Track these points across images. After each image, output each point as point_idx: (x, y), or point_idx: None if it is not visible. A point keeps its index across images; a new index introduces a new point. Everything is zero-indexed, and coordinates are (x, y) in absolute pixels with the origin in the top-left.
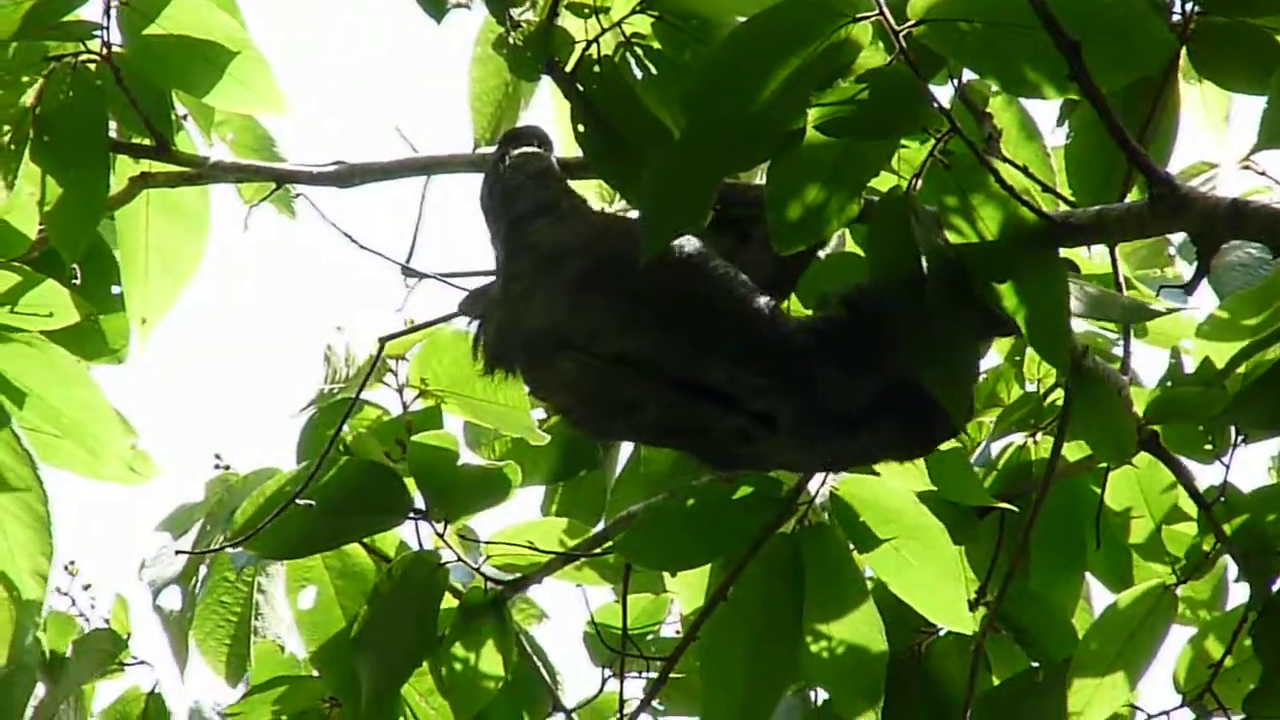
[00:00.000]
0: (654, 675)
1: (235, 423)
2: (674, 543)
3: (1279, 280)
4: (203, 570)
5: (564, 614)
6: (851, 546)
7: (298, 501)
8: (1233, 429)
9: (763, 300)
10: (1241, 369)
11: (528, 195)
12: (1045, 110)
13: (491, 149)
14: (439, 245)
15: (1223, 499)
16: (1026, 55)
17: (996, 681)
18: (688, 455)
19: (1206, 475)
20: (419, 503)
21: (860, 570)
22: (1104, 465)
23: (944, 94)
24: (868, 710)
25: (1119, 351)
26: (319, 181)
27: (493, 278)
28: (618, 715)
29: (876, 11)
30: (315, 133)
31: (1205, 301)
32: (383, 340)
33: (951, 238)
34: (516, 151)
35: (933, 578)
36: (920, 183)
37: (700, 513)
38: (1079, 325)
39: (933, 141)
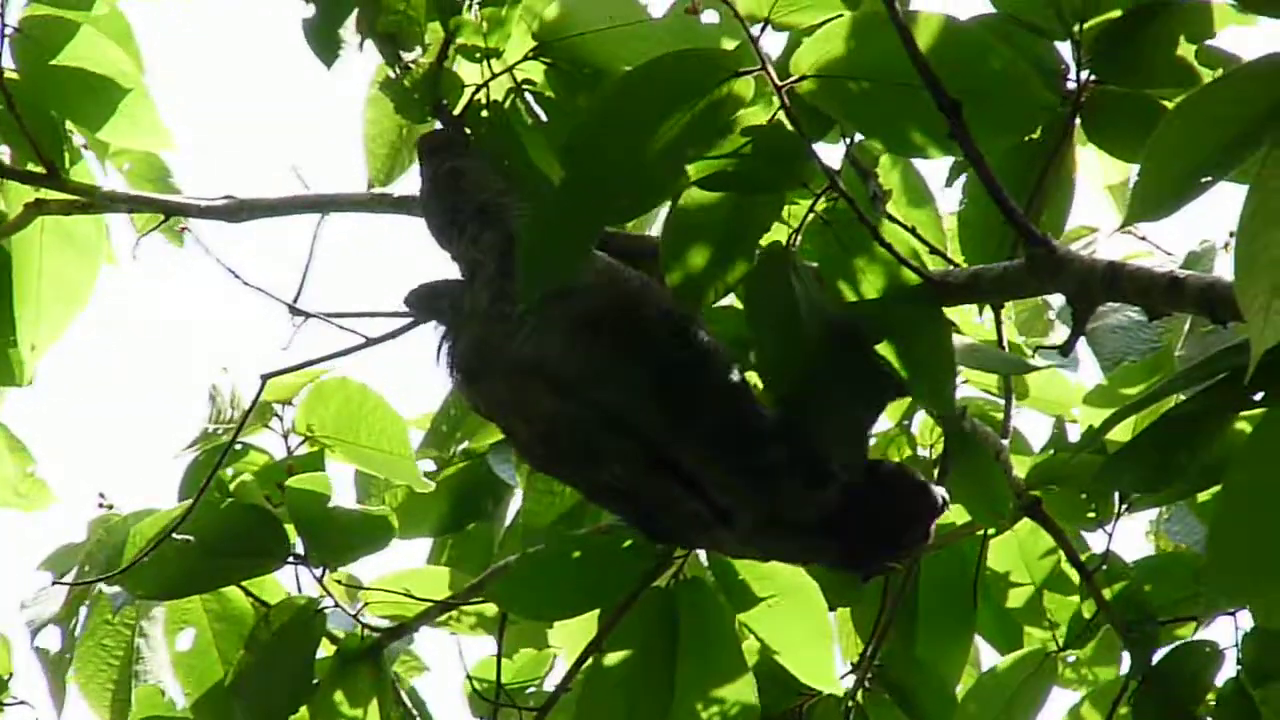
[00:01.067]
0: None
1: (122, 456)
2: (548, 592)
3: (1165, 353)
4: (83, 612)
5: (448, 667)
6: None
7: (175, 537)
8: (1116, 497)
9: (751, 405)
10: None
11: None
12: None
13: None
14: (331, 286)
15: (1104, 567)
16: (910, 115)
17: None
18: (626, 519)
19: (1096, 543)
20: (300, 549)
21: (734, 627)
22: (986, 530)
23: (835, 152)
24: None
25: (1001, 416)
26: (208, 215)
27: (452, 280)
28: None
29: (759, 67)
30: (213, 167)
31: (1087, 368)
32: (264, 377)
33: (840, 295)
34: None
35: (805, 637)
36: (801, 239)
37: (575, 563)
38: (959, 390)
39: (813, 198)
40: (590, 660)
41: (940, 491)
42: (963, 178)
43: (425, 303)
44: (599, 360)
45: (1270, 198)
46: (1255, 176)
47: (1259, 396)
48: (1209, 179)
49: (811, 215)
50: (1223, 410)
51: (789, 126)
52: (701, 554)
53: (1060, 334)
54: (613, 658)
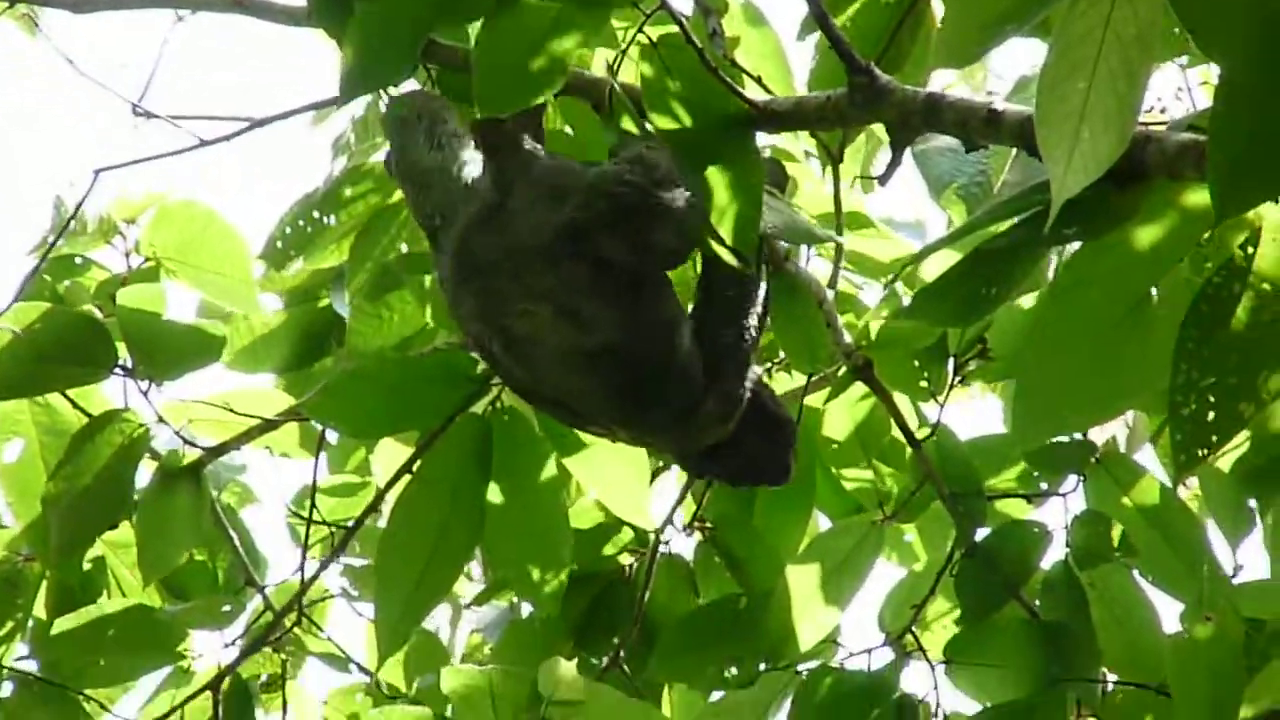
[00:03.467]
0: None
1: None
2: (364, 407)
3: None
4: None
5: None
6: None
7: None
8: (950, 367)
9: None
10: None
11: None
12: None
13: None
14: (182, 93)
15: (933, 438)
16: None
17: None
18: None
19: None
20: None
21: (550, 460)
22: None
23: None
24: (550, 605)
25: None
26: (51, 3)
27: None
28: (299, 576)
29: None
30: None
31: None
32: (97, 172)
33: (660, 122)
34: None
35: (623, 475)
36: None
37: (393, 381)
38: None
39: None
40: (402, 482)
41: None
42: (814, 36)
43: (402, 164)
44: (577, 289)
45: (1072, 47)
46: (1058, 26)
47: (1071, 232)
48: (1011, 28)
49: (639, 37)
50: (1034, 245)
51: None
52: None
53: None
54: (424, 481)
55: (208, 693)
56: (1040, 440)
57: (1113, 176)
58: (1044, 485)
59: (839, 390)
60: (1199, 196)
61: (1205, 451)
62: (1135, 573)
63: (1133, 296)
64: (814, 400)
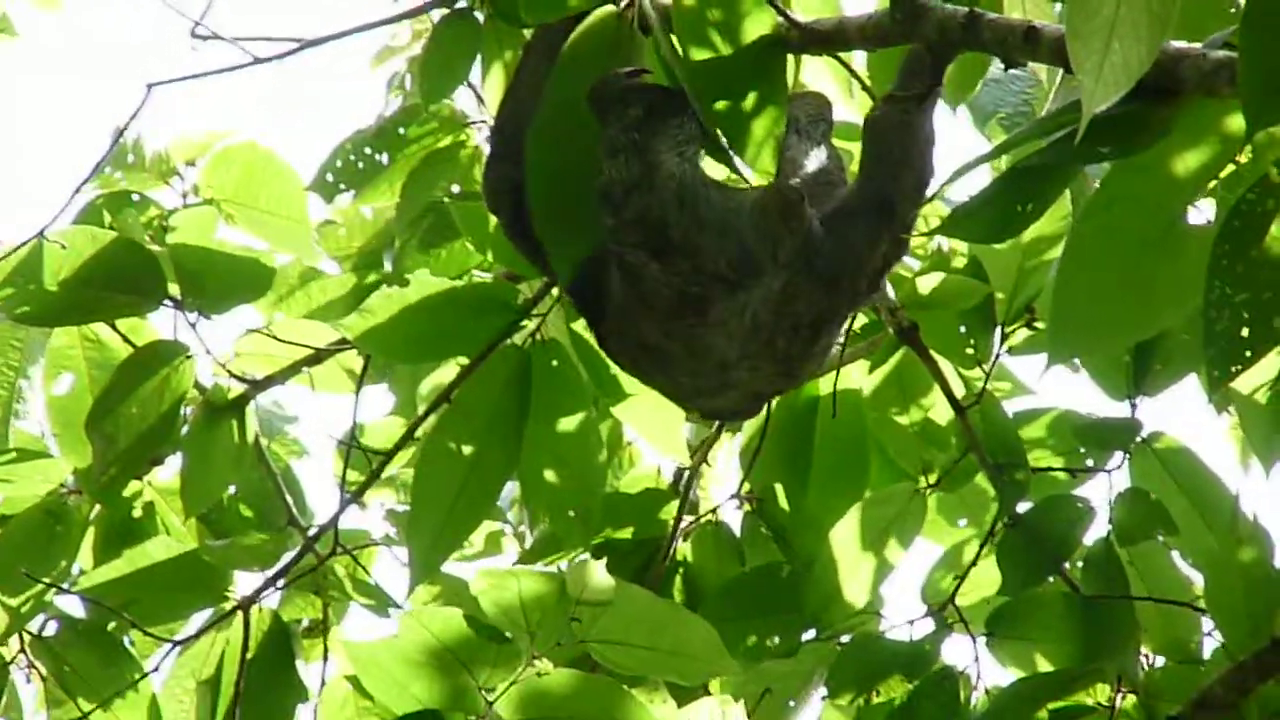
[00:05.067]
0: None
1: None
2: (403, 332)
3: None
4: None
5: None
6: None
7: (46, 239)
8: (996, 337)
9: None
10: None
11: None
12: None
13: None
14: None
15: (977, 405)
16: None
17: None
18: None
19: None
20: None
21: (588, 395)
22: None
23: None
24: (583, 537)
25: None
26: None
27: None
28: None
29: None
30: None
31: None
32: (150, 86)
33: (697, 54)
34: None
35: (658, 412)
36: None
37: (434, 307)
38: None
39: None
40: (440, 410)
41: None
42: None
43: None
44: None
45: None
46: None
47: (1105, 150)
48: None
49: None
50: (1070, 161)
51: None
52: (556, 315)
53: None
54: (460, 410)
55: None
56: (1074, 356)
57: (1148, 93)
58: (1089, 461)
59: (885, 356)
60: (1234, 114)
61: (1239, 368)
62: (1175, 554)
63: (1167, 214)
64: (856, 370)
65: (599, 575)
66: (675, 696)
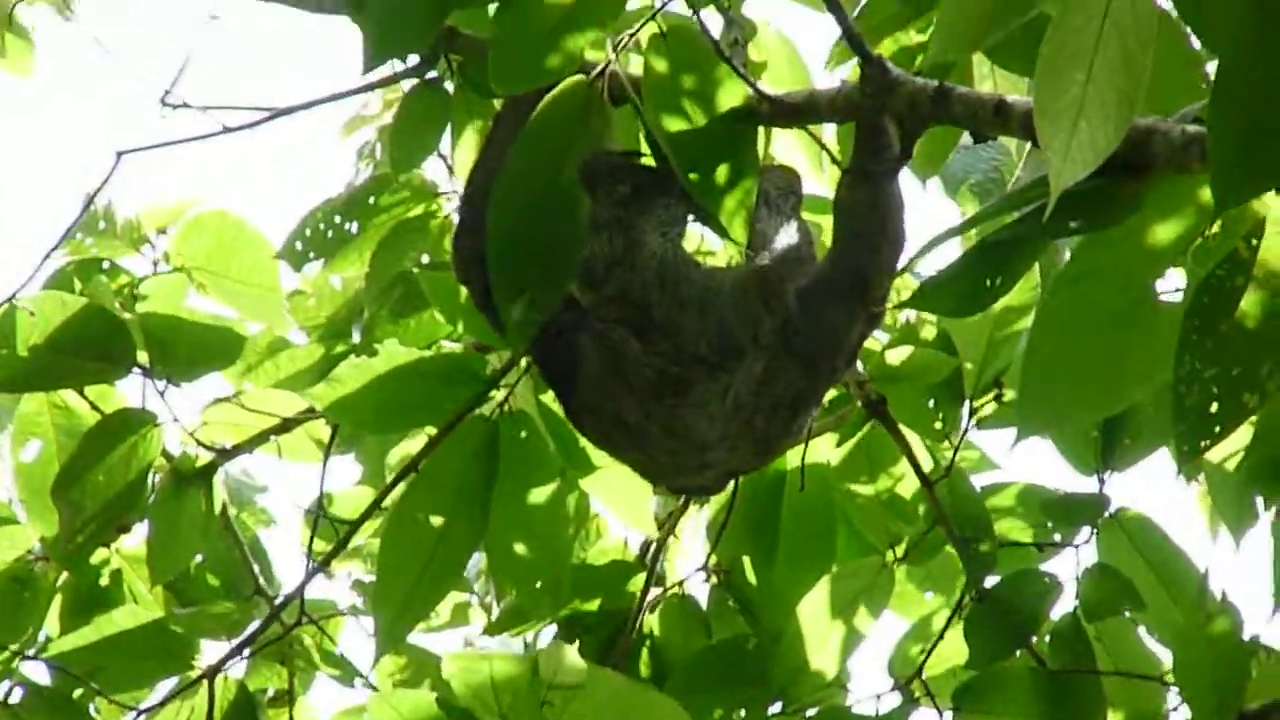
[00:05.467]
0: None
1: None
2: (371, 403)
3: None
4: None
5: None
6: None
7: (17, 305)
8: (965, 411)
9: None
10: None
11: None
12: None
13: None
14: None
15: (945, 479)
16: None
17: None
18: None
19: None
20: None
21: (556, 467)
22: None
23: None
24: (550, 609)
25: None
26: None
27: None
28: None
29: None
30: None
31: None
32: (120, 154)
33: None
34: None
35: (626, 484)
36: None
37: (401, 377)
38: None
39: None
40: (407, 480)
41: None
42: (848, 66)
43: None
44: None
45: (1071, 37)
46: (1055, 16)
47: (1074, 224)
48: (1011, 18)
49: (650, 26)
50: (1038, 236)
51: None
52: (525, 387)
53: None
54: (427, 480)
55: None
56: (1043, 431)
57: (1118, 168)
58: (1057, 535)
59: (853, 429)
60: (1204, 187)
61: (1208, 443)
62: (1142, 629)
63: (1136, 288)
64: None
65: (570, 658)
66: None
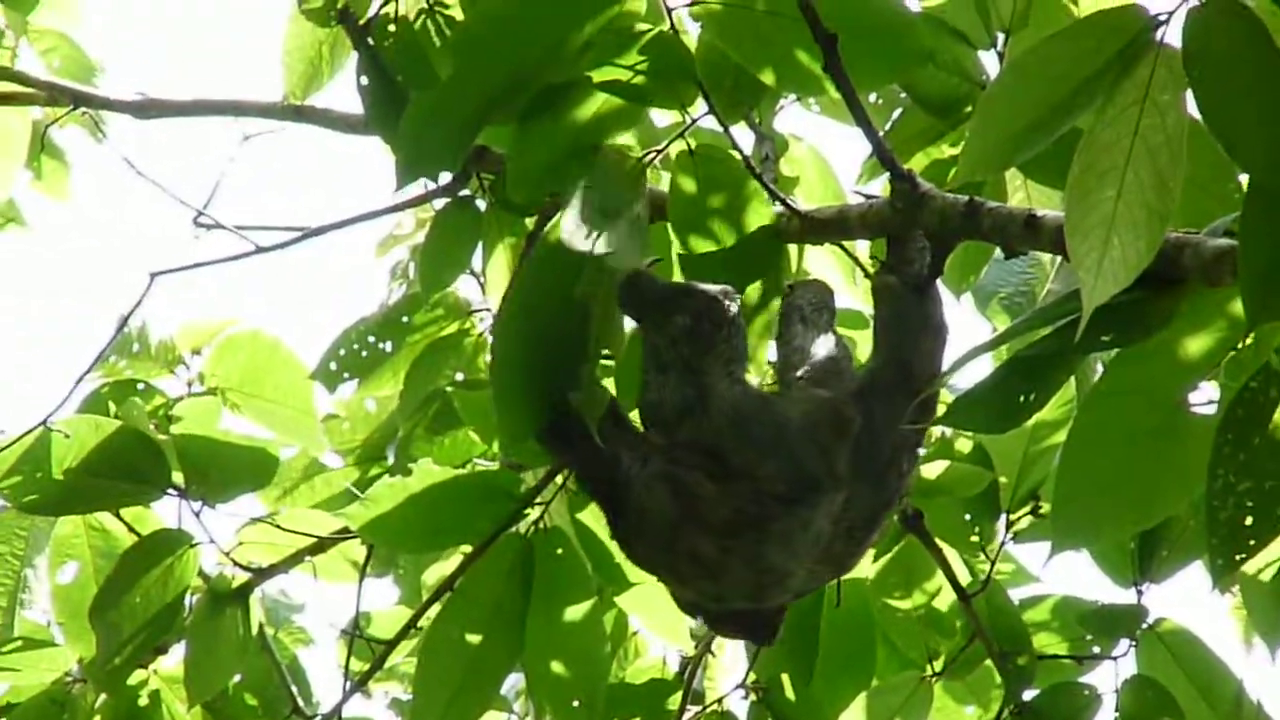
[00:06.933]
0: None
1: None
2: (406, 522)
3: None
4: None
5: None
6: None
7: (50, 428)
8: (1001, 523)
9: None
10: None
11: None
12: None
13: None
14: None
15: (983, 593)
16: (792, 47)
17: None
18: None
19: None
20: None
21: (592, 584)
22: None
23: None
24: None
25: None
26: (115, 108)
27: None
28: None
29: None
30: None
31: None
32: (154, 275)
33: (696, 244)
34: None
35: (662, 599)
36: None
37: (436, 497)
38: None
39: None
40: (443, 600)
41: None
42: (880, 180)
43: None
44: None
45: (1101, 155)
46: (1086, 134)
47: (1107, 339)
48: (1039, 138)
49: (678, 143)
50: (1071, 351)
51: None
52: (559, 504)
53: None
54: (463, 598)
55: None
56: (1078, 546)
57: (1149, 282)
58: (1095, 648)
59: (890, 543)
60: (1237, 300)
61: (1243, 556)
62: None
63: (1169, 402)
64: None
65: None
66: None
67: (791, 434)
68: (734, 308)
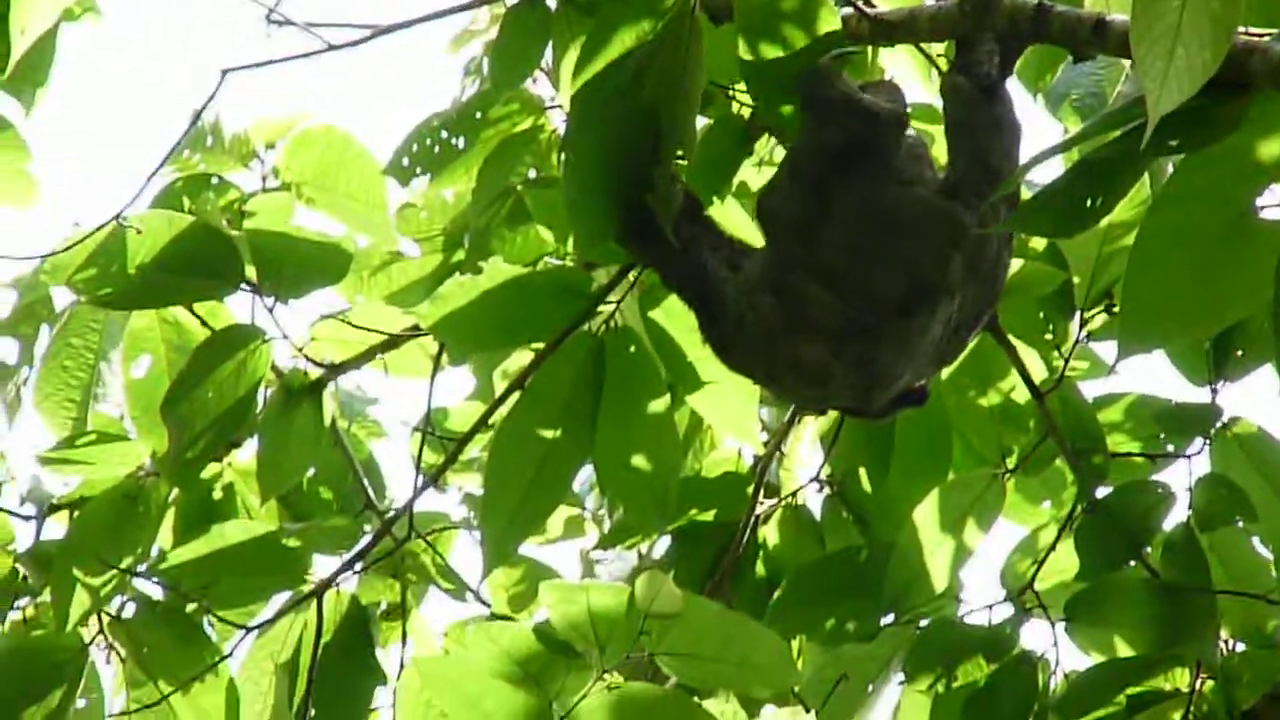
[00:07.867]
0: None
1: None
2: (477, 321)
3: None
4: (45, 331)
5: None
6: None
7: (122, 223)
8: (1076, 321)
9: None
10: None
11: None
12: None
13: None
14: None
15: (1056, 390)
16: None
17: None
18: None
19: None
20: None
21: (663, 383)
22: None
23: None
24: (657, 524)
25: None
26: None
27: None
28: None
29: None
30: None
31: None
32: (224, 72)
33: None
34: None
35: (731, 397)
36: None
37: (507, 295)
38: None
39: None
40: (514, 398)
41: None
42: None
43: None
44: None
45: None
46: None
47: (1174, 144)
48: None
49: None
50: (1138, 156)
51: None
52: (631, 303)
53: None
54: (533, 396)
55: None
56: (1146, 349)
57: (1216, 87)
58: (1169, 446)
59: None
60: None
61: None
62: (1256, 540)
63: (1236, 207)
64: None
65: (668, 587)
66: (744, 707)
67: (907, 244)
68: (898, 137)
